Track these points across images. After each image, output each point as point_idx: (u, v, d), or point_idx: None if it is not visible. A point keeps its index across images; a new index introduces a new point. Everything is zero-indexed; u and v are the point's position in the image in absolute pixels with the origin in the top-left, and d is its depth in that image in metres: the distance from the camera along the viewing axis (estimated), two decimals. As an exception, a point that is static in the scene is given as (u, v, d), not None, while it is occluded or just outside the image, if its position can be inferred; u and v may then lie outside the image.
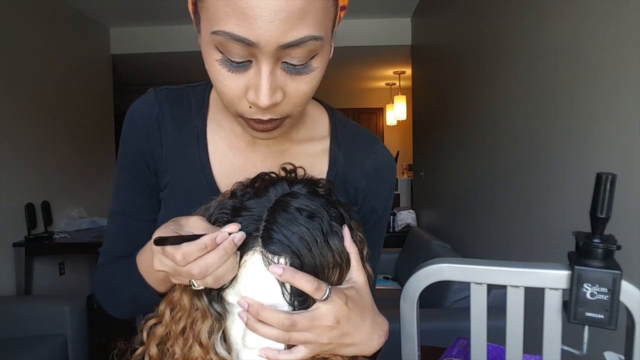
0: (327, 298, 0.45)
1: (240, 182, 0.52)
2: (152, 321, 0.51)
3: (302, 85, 0.47)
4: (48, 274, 3.20)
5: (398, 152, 6.30)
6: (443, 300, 2.04)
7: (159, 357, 0.50)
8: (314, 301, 0.46)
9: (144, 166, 0.61)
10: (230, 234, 0.43)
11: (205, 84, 0.64)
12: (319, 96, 0.63)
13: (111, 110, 4.17)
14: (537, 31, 1.64)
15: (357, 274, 0.51)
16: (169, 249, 0.41)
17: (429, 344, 1.03)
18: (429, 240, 2.81)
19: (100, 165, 3.88)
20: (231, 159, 0.62)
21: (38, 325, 2.09)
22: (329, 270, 0.48)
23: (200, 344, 0.48)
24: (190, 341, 0.49)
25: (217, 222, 0.48)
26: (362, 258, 0.52)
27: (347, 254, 0.50)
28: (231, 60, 0.44)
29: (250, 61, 0.44)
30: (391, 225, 4.52)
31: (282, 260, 0.45)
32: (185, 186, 0.60)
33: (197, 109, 0.62)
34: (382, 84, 6.48)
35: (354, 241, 0.51)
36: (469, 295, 0.61)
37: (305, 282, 0.44)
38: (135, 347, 0.52)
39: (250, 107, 0.47)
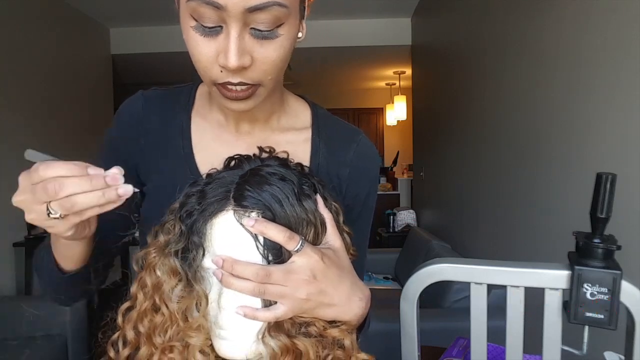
0: (300, 249, 0.46)
1: (215, 168, 0.53)
2: (126, 304, 0.51)
3: (270, 52, 0.49)
4: (48, 274, 3.19)
5: (398, 152, 6.30)
6: (443, 300, 2.03)
7: (137, 341, 0.49)
8: (289, 256, 0.46)
9: (124, 157, 0.63)
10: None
11: (193, 83, 0.66)
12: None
13: (111, 110, 4.16)
14: (537, 31, 1.64)
15: (333, 237, 0.51)
16: (35, 165, 0.43)
17: (429, 344, 1.03)
18: (429, 240, 2.80)
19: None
20: (215, 149, 0.63)
21: (38, 325, 2.08)
22: (303, 228, 0.48)
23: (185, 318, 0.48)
24: (168, 313, 0.48)
25: (188, 202, 0.49)
26: (338, 226, 0.53)
27: (322, 216, 0.50)
28: (204, 26, 0.48)
29: (221, 27, 0.47)
30: (391, 225, 4.52)
31: (253, 214, 0.46)
32: (170, 179, 0.61)
33: (183, 105, 0.65)
34: (382, 84, 6.47)
35: (329, 210, 0.52)
36: (469, 295, 0.62)
37: (277, 232, 0.45)
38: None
39: (221, 71, 0.49)
